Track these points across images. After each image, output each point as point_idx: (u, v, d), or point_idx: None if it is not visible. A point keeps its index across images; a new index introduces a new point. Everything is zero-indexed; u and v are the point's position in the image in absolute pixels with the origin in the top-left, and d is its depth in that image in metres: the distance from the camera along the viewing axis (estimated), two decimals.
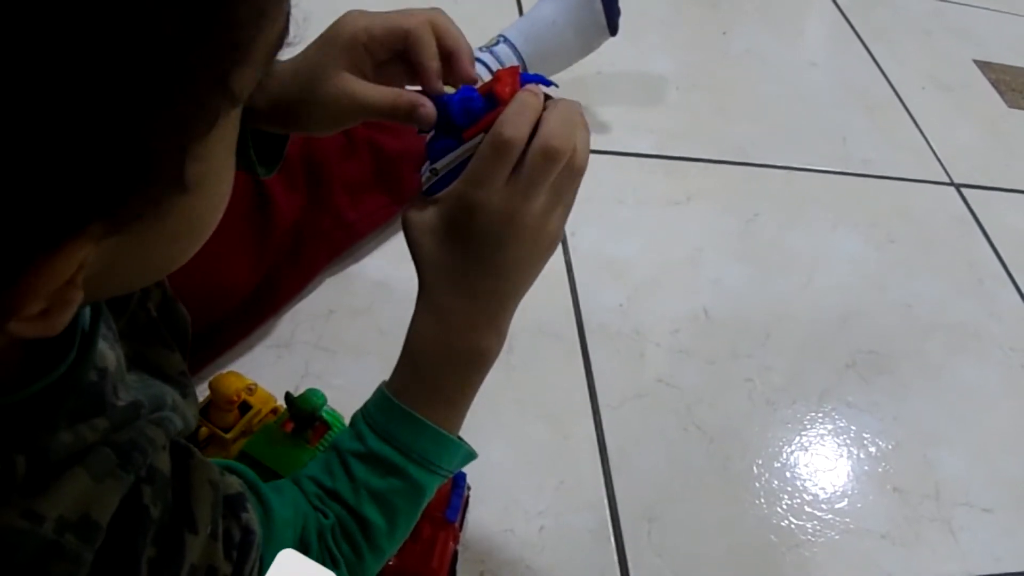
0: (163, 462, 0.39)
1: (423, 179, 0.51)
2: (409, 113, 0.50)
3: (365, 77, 0.51)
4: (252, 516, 0.44)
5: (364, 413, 0.54)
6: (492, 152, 0.47)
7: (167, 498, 0.38)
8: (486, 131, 0.48)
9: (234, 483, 0.45)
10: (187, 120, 0.28)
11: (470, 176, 0.48)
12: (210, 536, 0.40)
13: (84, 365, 0.36)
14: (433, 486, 0.55)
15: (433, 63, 0.51)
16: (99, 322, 0.38)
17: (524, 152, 0.47)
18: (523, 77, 0.50)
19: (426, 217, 0.50)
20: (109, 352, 0.40)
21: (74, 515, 0.33)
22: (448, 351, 0.52)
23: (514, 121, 0.47)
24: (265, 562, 0.45)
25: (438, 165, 0.50)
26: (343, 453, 0.53)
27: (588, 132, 0.50)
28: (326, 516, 0.51)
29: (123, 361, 0.43)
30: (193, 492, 0.40)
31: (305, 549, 0.49)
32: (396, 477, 0.52)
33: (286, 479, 0.53)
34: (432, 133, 0.52)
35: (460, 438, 0.55)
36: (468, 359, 0.53)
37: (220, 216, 0.36)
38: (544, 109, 0.48)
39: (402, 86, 0.53)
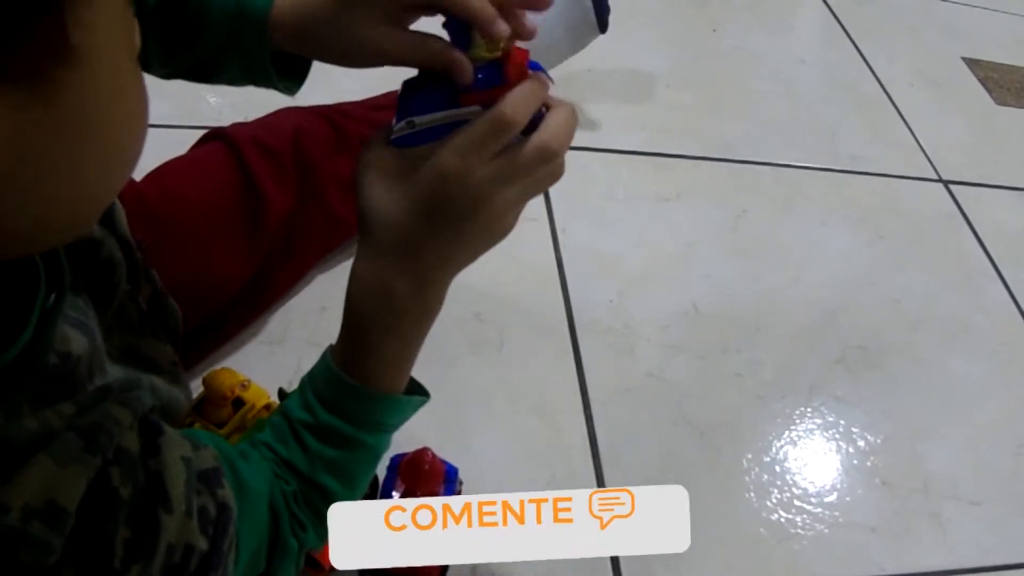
0: (131, 441, 0.38)
1: (395, 126, 0.48)
2: (446, 70, 0.48)
3: (393, 18, 0.49)
4: (228, 492, 0.43)
5: (312, 383, 0.52)
6: (489, 129, 0.45)
7: (137, 478, 0.37)
8: (484, 105, 0.46)
9: (208, 457, 0.44)
10: None
11: (457, 146, 0.46)
12: (185, 514, 0.39)
13: (40, 348, 0.35)
14: (388, 440, 0.54)
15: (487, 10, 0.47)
16: (60, 306, 0.37)
17: (515, 140, 0.46)
18: (531, 64, 0.48)
19: (386, 166, 0.48)
20: (79, 337, 0.39)
21: (40, 502, 0.32)
22: (394, 314, 0.50)
23: (520, 105, 0.45)
24: (240, 537, 0.45)
25: (418, 119, 0.47)
26: (294, 423, 0.52)
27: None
28: (287, 483, 0.51)
29: (101, 349, 0.42)
30: (166, 470, 0.39)
31: (276, 518, 0.49)
32: (350, 447, 0.51)
33: (245, 443, 0.52)
34: (414, 77, 0.49)
35: (409, 390, 0.55)
36: (414, 321, 0.51)
37: (130, 126, 0.33)
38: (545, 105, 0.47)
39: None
